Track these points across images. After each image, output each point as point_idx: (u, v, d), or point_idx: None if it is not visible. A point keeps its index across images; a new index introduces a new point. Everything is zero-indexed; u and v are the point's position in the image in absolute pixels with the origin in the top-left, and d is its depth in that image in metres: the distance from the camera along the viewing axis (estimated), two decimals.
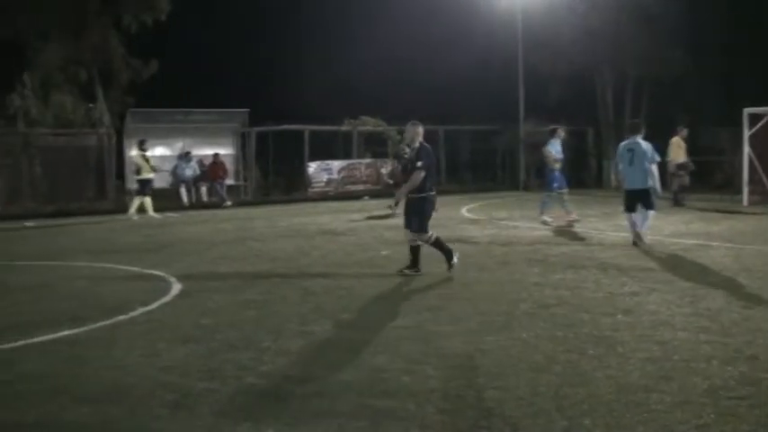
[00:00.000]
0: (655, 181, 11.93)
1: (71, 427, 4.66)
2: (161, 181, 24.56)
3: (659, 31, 26.16)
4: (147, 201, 19.98)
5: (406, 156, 10.11)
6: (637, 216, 12.05)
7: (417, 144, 9.77)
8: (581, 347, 6.13)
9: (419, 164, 9.55)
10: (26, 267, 11.46)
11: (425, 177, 9.53)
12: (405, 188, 9.77)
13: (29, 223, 19.35)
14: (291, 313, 7.68)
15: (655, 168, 11.92)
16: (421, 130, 9.89)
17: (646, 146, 11.96)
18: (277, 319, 7.47)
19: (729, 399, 4.87)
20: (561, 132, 16.07)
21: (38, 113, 25.67)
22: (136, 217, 19.42)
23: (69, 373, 5.74)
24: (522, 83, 29.78)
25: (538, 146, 30.17)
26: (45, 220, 20.07)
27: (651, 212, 12.11)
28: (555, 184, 15.68)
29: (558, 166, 15.67)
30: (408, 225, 9.74)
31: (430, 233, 9.71)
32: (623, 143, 12.44)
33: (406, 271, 9.71)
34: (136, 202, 19.90)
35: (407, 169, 9.86)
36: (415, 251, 9.80)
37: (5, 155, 23.01)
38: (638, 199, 12.04)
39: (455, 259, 9.71)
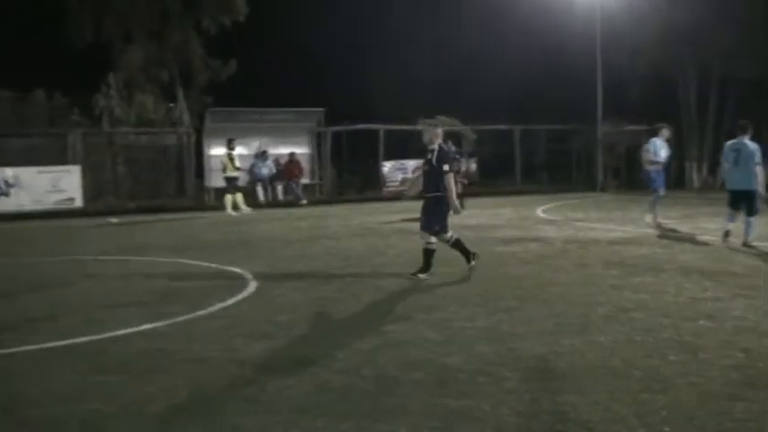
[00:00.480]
0: (759, 183, 11.55)
1: (152, 419, 4.78)
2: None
3: (744, 28, 25.32)
4: (239, 197, 20.82)
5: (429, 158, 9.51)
6: (734, 216, 11.93)
7: (436, 146, 9.43)
8: (661, 353, 5.98)
9: (445, 167, 9.28)
10: (110, 262, 11.81)
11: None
12: (452, 196, 9.38)
13: (112, 219, 19.97)
14: (365, 311, 7.71)
15: (759, 170, 11.53)
16: (440, 131, 9.72)
17: (753, 147, 11.63)
18: (351, 316, 7.51)
19: None
20: (665, 131, 15.36)
21: (121, 113, 26.49)
22: (235, 213, 20.23)
23: (150, 366, 5.89)
24: (601, 82, 29.24)
25: (615, 146, 29.82)
26: (127, 217, 20.68)
27: (752, 219, 11.73)
28: (653, 185, 15.25)
29: (653, 166, 15.16)
30: (428, 226, 9.46)
31: (450, 234, 9.57)
32: (729, 143, 12.13)
33: (420, 275, 9.45)
34: (228, 200, 20.72)
35: (430, 173, 9.44)
36: (428, 254, 9.54)
37: (91, 153, 23.79)
38: (741, 200, 11.73)
39: (473, 262, 9.63)
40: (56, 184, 22.27)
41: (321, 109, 27.16)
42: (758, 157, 11.50)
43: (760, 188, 11.69)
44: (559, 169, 31.13)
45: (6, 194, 21.58)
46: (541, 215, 18.24)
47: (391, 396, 5.10)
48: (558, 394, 5.06)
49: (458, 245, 9.70)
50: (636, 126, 29.19)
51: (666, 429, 4.42)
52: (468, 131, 28.07)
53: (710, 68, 27.80)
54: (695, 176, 29.21)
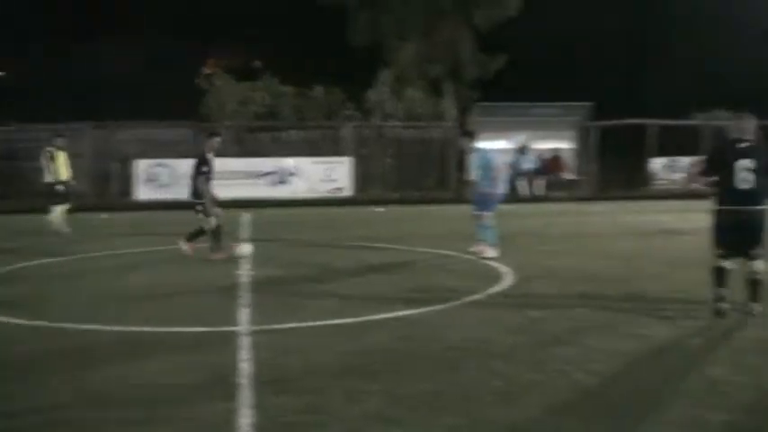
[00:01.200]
0: None
1: (408, 398, 4.95)
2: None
3: None
4: (59, 211, 14.95)
5: None
6: None
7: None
8: None
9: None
10: (374, 249, 12.41)
11: None
12: None
13: (378, 209, 20.95)
14: (624, 313, 7.42)
15: None
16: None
17: None
18: (608, 317, 7.27)
19: None
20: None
21: (391, 107, 27.66)
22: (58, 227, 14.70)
23: (406, 350, 6.11)
24: None
25: None
26: (392, 207, 21.58)
27: None
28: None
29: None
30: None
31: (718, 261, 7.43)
32: None
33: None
34: (53, 213, 14.83)
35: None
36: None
37: (361, 145, 25.12)
38: None
39: (756, 307, 7.20)
40: (329, 174, 23.80)
41: (588, 103, 26.45)
42: None
43: None
44: None
45: (286, 182, 23.42)
46: None
47: (647, 403, 4.86)
48: (724, 413, 4.54)
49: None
50: None
51: None
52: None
53: None
54: None
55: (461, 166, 25.56)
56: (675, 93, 29.40)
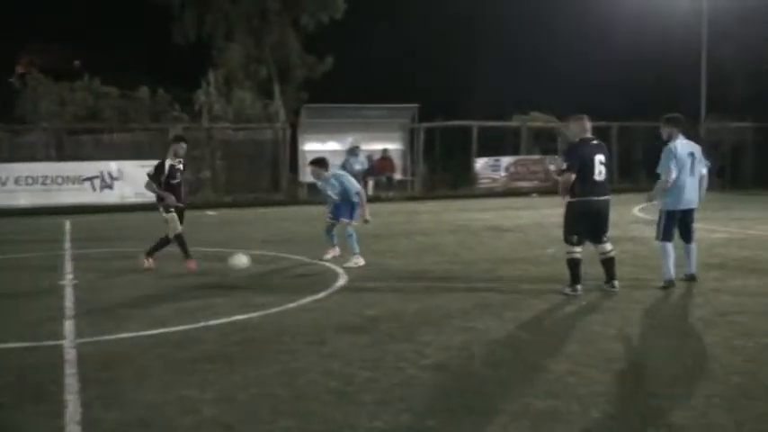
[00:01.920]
0: None
1: (243, 404, 4.88)
2: None
3: None
4: None
5: None
6: None
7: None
8: (762, 358, 5.73)
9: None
10: (208, 254, 12.12)
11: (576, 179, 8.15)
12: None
13: (210, 212, 20.51)
14: (454, 308, 7.67)
15: None
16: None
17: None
18: (440, 313, 7.49)
19: None
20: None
21: (220, 109, 27.19)
22: None
23: (242, 355, 6.02)
24: (705, 77, 28.21)
25: (719, 144, 28.70)
26: (224, 210, 21.19)
27: None
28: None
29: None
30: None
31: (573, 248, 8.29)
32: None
33: (613, 285, 8.38)
34: None
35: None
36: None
37: (191, 148, 24.47)
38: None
39: (569, 291, 8.18)
40: None
41: (415, 105, 27.17)
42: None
43: None
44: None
45: (110, 187, 22.45)
46: (638, 214, 17.75)
47: (479, 394, 5.06)
48: (652, 397, 4.92)
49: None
50: (742, 123, 28.06)
51: None
52: (563, 128, 27.61)
53: None
54: None
55: (294, 167, 25.63)
56: (497, 95, 30.77)
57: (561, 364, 5.67)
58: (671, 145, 8.65)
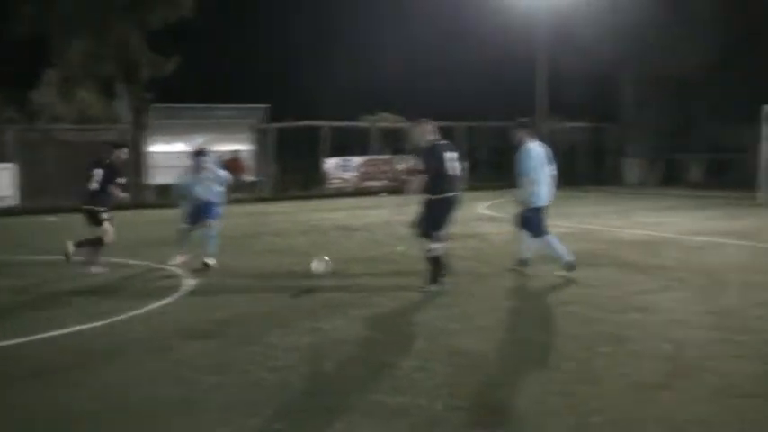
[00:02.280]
0: None
1: (82, 418, 4.70)
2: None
3: (680, 27, 25.90)
4: None
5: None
6: None
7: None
8: (594, 345, 6.10)
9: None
10: (48, 263, 11.56)
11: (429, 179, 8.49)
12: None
13: (50, 218, 19.52)
14: (303, 309, 7.69)
15: None
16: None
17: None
18: (288, 314, 7.48)
19: (741, 397, 4.83)
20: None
21: (60, 110, 25.93)
22: None
23: (82, 367, 5.78)
24: (543, 80, 29.59)
25: (557, 144, 30.23)
26: (66, 215, 20.22)
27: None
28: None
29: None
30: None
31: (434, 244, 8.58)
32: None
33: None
34: None
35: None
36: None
37: (27, 151, 23.21)
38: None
39: (432, 287, 8.44)
40: None
41: (265, 105, 26.94)
42: None
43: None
44: (503, 167, 31.39)
45: None
46: (484, 212, 18.42)
47: (326, 394, 5.11)
48: (494, 388, 5.13)
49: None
50: (577, 123, 29.64)
51: (596, 419, 4.52)
52: (412, 131, 28.21)
53: (649, 67, 28.34)
54: (632, 173, 29.78)
55: (140, 169, 24.79)
56: (347, 95, 31.05)
57: (408, 360, 5.82)
58: (526, 147, 9.14)
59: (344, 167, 26.78)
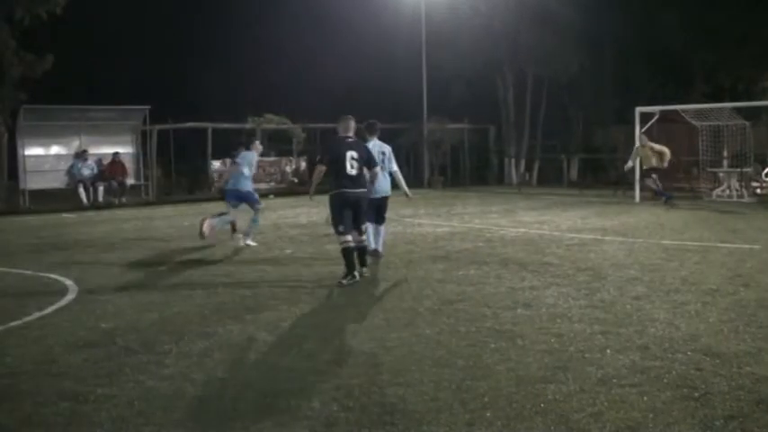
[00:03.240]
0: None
1: None
2: (56, 181, 23.76)
3: (557, 32, 26.87)
4: None
5: None
6: None
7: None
8: (483, 342, 6.27)
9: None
10: None
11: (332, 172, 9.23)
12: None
13: None
14: (194, 315, 7.56)
15: None
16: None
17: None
18: (179, 320, 7.34)
19: (621, 386, 5.08)
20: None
21: None
22: None
23: None
24: (426, 82, 30.11)
25: (440, 144, 30.83)
26: None
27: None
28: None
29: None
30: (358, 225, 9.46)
31: (343, 237, 9.04)
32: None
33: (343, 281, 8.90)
34: None
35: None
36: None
37: None
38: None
39: (346, 281, 8.80)
40: None
41: (146, 107, 26.20)
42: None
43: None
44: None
45: None
46: None
47: (221, 400, 5.04)
48: (387, 387, 5.19)
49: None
50: (459, 124, 30.30)
51: (488, 414, 4.65)
52: (297, 130, 28.13)
53: (526, 69, 29.28)
54: (513, 173, 30.70)
55: (14, 173, 23.63)
56: (232, 97, 30.62)
57: (302, 362, 5.82)
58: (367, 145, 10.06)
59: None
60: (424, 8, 29.29)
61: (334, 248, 9.89)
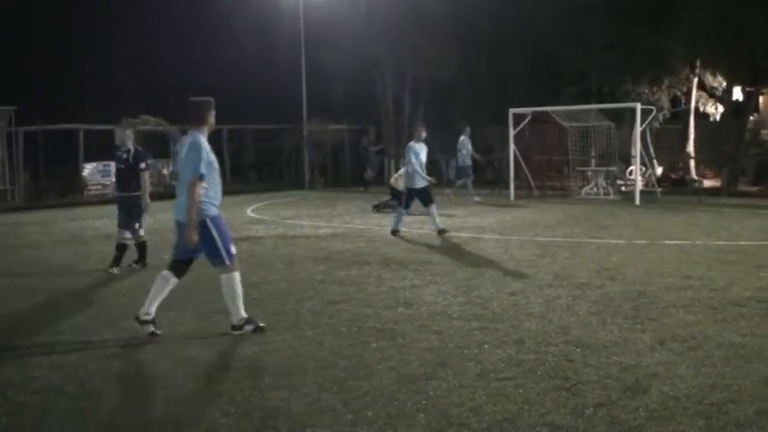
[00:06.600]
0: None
1: None
2: None
3: (434, 32, 27.31)
4: None
5: None
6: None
7: (131, 146, 10.58)
8: (365, 341, 6.34)
9: (142, 166, 10.51)
10: None
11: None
12: (146, 194, 10.64)
13: None
14: (68, 323, 7.29)
15: None
16: (130, 132, 10.98)
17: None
18: (51, 330, 7.05)
19: (499, 380, 5.25)
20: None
21: None
22: None
23: None
24: (305, 81, 30.05)
25: (321, 144, 30.85)
26: None
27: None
28: None
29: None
30: (129, 224, 10.60)
31: (142, 232, 10.72)
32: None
33: (112, 269, 10.24)
34: None
35: (127, 172, 10.67)
36: (122, 249, 10.54)
37: None
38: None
39: (115, 270, 10.23)
40: None
41: (11, 107, 24.90)
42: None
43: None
44: (269, 168, 31.48)
45: None
46: (251, 215, 18.39)
47: (96, 412, 4.89)
48: (269, 391, 5.18)
49: (142, 246, 10.60)
50: (340, 125, 30.40)
51: (370, 413, 4.71)
52: (174, 131, 27.48)
53: (404, 69, 29.62)
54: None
55: None
56: (108, 99, 29.58)
57: (182, 369, 5.71)
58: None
59: (104, 173, 25.48)
60: (302, 7, 29.23)
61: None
